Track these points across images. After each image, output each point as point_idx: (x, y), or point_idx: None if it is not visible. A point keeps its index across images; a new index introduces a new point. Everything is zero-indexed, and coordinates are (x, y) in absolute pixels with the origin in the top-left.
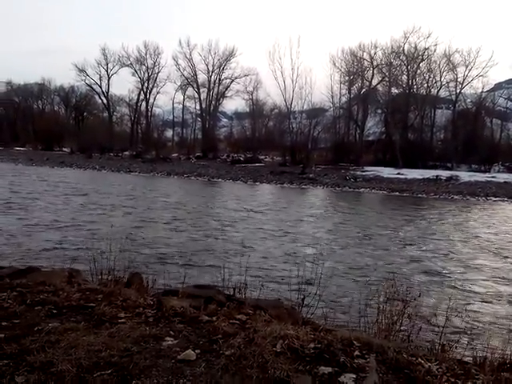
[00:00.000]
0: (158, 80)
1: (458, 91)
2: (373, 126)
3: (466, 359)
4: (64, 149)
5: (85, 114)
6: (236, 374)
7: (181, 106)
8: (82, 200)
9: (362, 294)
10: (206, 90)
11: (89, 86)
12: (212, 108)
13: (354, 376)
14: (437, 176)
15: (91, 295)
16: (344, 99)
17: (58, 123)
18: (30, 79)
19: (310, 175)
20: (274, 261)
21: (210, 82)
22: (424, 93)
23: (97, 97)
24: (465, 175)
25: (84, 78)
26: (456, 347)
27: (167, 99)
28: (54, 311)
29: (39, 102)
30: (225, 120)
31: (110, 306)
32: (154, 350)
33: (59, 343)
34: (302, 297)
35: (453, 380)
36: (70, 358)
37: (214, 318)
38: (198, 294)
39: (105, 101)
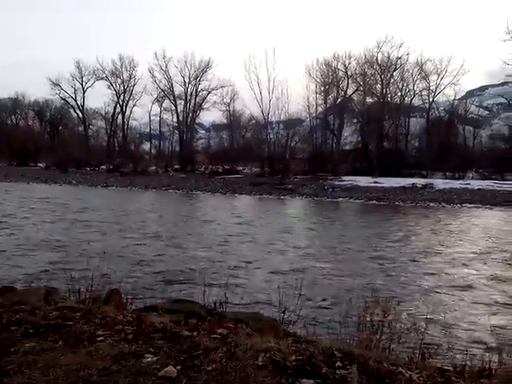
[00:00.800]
0: (134, 92)
1: (430, 99)
2: (349, 135)
3: (446, 367)
4: (39, 164)
5: (60, 128)
6: None
7: (158, 118)
8: (57, 217)
9: (342, 304)
10: (183, 101)
11: (63, 99)
12: (189, 120)
13: None
14: (413, 184)
15: (69, 313)
16: (320, 109)
17: (33, 138)
18: (2, 94)
19: (289, 186)
20: (255, 273)
21: (186, 93)
22: (398, 101)
23: (72, 110)
24: (440, 183)
25: (58, 91)
26: (436, 355)
27: (144, 112)
28: (31, 331)
29: (13, 116)
30: (202, 132)
31: (89, 323)
32: (134, 368)
33: (37, 363)
34: (283, 309)
35: None
36: (48, 378)
37: (195, 333)
38: (179, 309)
39: (80, 114)
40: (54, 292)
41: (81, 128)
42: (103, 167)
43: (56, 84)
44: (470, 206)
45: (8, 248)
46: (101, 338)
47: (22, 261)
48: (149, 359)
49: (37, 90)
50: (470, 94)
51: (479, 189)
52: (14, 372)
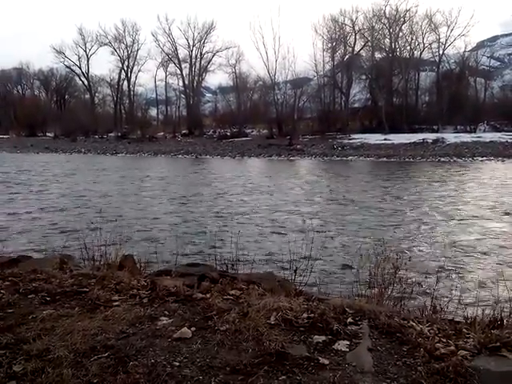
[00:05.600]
0: (138, 58)
1: (441, 52)
2: (358, 92)
3: (458, 319)
4: (48, 134)
5: (66, 96)
6: (232, 349)
7: (163, 83)
8: (69, 186)
9: (353, 261)
10: (188, 65)
11: (68, 67)
12: (195, 83)
13: (348, 343)
14: (423, 139)
15: (84, 280)
16: (328, 67)
17: (40, 108)
18: (7, 65)
19: (298, 146)
20: (267, 234)
21: (191, 56)
22: (407, 56)
23: (77, 78)
24: (451, 137)
25: (62, 59)
26: (447, 308)
27: (149, 77)
28: (48, 298)
29: (19, 87)
30: (209, 95)
31: (104, 289)
32: (150, 331)
33: (55, 330)
34: (295, 268)
35: (444, 340)
36: (67, 343)
37: (208, 295)
38: (191, 273)
39: (85, 82)
40: (68, 260)
41: (87, 96)
42: (111, 135)
43: (60, 52)
44: (481, 159)
45: (25, 216)
46: (116, 303)
47: (35, 229)
48: (164, 322)
49: (41, 59)
50: (481, 44)
51: (491, 141)
52: (33, 339)
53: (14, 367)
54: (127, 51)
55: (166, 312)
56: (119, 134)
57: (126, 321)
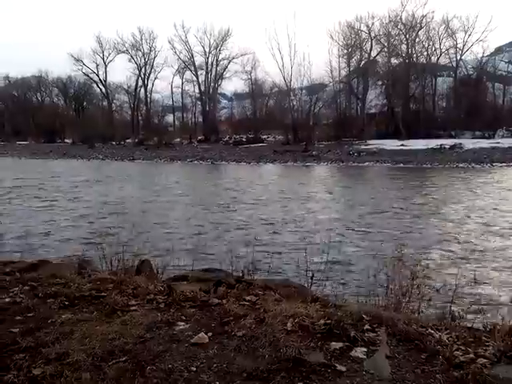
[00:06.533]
0: (155, 65)
1: (458, 58)
2: (374, 98)
3: (477, 326)
4: (66, 140)
5: (84, 103)
6: (249, 354)
7: (180, 90)
8: (87, 191)
9: (371, 267)
10: (204, 72)
11: (86, 75)
12: (211, 90)
13: (365, 350)
14: (441, 145)
15: (102, 285)
16: (343, 73)
17: (58, 115)
18: (26, 72)
19: (314, 152)
20: (283, 240)
21: (207, 63)
22: (424, 61)
23: (95, 86)
24: (468, 143)
25: (81, 67)
26: (466, 315)
27: (165, 84)
28: (66, 303)
29: (38, 94)
30: (225, 101)
31: (121, 294)
32: (167, 336)
33: (73, 334)
34: (311, 274)
35: (463, 348)
36: (85, 347)
37: (224, 301)
38: (208, 278)
39: (103, 89)
40: (86, 264)
41: (105, 103)
42: (129, 141)
43: (78, 60)
44: (500, 165)
45: (45, 221)
46: (134, 308)
47: (55, 234)
48: (181, 327)
49: (60, 67)
50: (499, 50)
51: (510, 147)
52: (52, 343)
53: (34, 370)
54: (144, 59)
55: (183, 317)
56: (136, 141)
57: (143, 325)
